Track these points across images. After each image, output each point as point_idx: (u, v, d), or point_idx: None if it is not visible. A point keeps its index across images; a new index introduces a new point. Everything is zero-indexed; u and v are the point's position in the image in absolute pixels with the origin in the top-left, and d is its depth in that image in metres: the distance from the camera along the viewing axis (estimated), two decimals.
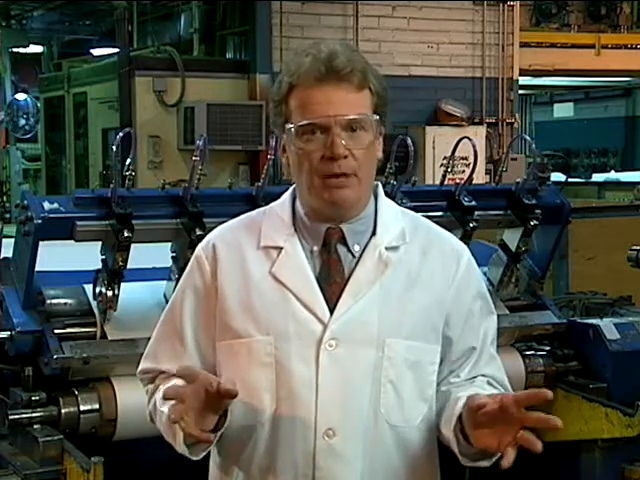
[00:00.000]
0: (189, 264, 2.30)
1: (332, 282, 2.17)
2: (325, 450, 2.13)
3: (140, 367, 2.35)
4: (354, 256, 2.19)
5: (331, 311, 2.15)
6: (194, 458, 2.16)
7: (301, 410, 2.13)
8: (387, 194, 3.68)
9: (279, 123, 2.18)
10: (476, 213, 4.05)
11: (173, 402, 2.06)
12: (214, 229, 2.32)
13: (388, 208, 2.26)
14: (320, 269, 2.18)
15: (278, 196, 2.29)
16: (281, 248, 2.19)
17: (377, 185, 2.26)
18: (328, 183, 2.11)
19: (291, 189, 2.25)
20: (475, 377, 2.27)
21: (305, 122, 2.11)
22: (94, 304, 3.68)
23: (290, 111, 2.15)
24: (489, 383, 2.27)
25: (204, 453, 2.16)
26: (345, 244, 2.19)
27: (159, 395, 2.19)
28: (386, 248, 2.19)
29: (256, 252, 2.21)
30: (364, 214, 2.21)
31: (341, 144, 2.09)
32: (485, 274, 4.26)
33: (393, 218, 2.24)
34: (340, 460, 2.14)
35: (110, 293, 3.61)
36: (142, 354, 2.37)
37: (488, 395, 2.09)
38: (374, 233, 2.21)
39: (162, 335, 2.32)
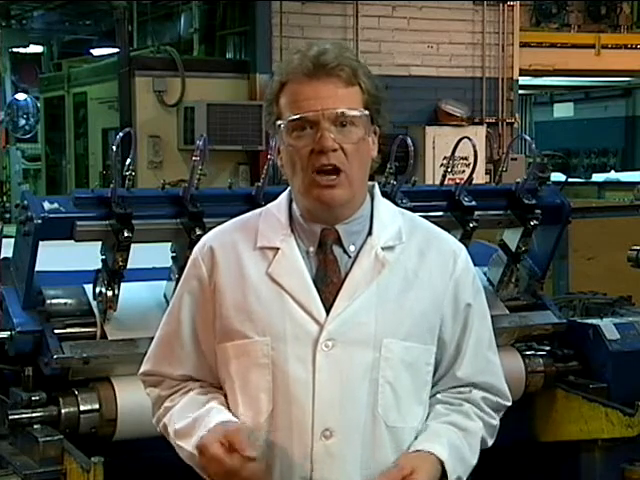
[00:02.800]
0: (186, 267, 2.30)
1: (329, 283, 2.17)
2: (322, 451, 2.13)
3: (141, 369, 2.36)
4: (350, 256, 2.19)
5: (327, 312, 2.15)
6: None
7: (298, 411, 2.13)
8: (387, 194, 3.69)
9: (272, 123, 2.19)
10: (476, 213, 4.05)
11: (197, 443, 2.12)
12: (210, 230, 2.33)
13: (385, 208, 2.26)
14: (317, 270, 2.18)
15: (278, 196, 2.30)
16: (277, 249, 2.19)
17: (374, 185, 2.26)
18: (318, 181, 2.11)
19: (287, 190, 2.26)
20: (471, 385, 2.27)
21: (294, 117, 2.12)
22: (94, 304, 3.68)
23: (281, 109, 2.16)
24: (484, 400, 2.27)
25: None
26: (341, 245, 2.19)
27: (173, 423, 2.23)
28: (382, 248, 2.19)
29: (252, 253, 2.21)
30: (360, 214, 2.21)
31: (329, 137, 2.10)
32: (485, 274, 4.27)
33: (390, 218, 2.24)
34: (337, 461, 2.13)
35: (110, 293, 3.61)
36: (142, 354, 2.38)
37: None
38: (370, 233, 2.21)
39: (162, 338, 2.32)
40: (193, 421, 2.18)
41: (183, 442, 2.19)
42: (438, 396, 2.26)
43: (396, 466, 2.12)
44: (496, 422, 2.31)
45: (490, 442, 2.30)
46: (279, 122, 2.15)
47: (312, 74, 2.12)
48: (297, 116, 2.11)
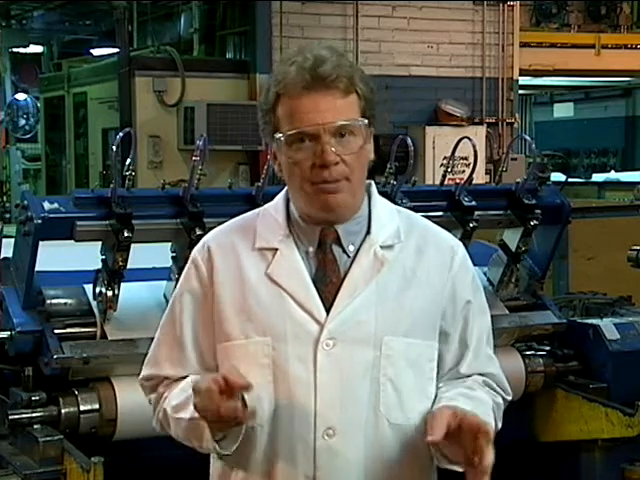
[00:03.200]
0: (185, 268, 2.30)
1: (328, 282, 2.17)
2: (325, 450, 2.13)
3: (142, 374, 2.35)
4: (349, 256, 2.20)
5: (327, 311, 2.15)
6: (225, 452, 2.16)
7: (300, 410, 2.13)
8: (387, 194, 3.69)
9: (268, 131, 2.18)
10: (476, 213, 4.04)
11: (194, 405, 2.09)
12: (210, 231, 2.33)
13: (382, 207, 2.26)
14: (316, 270, 2.19)
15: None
16: (276, 249, 2.20)
17: (370, 184, 2.26)
18: (321, 188, 2.11)
19: (284, 190, 2.26)
20: (473, 374, 2.27)
21: (294, 131, 2.11)
22: (94, 304, 3.68)
23: (278, 120, 2.15)
24: (486, 383, 2.28)
25: (235, 446, 2.14)
26: (340, 244, 2.20)
27: (171, 403, 2.22)
28: (381, 247, 2.20)
29: (251, 254, 2.22)
30: (358, 214, 2.21)
31: (331, 151, 2.10)
32: (485, 274, 4.27)
33: (388, 217, 2.25)
34: (340, 459, 2.14)
35: (110, 293, 3.61)
36: (142, 354, 2.37)
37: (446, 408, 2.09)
38: (369, 232, 2.21)
39: (162, 341, 2.32)
40: (191, 394, 2.17)
41: (181, 413, 2.18)
42: (439, 384, 2.26)
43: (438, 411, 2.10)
44: (500, 401, 2.29)
45: (500, 424, 2.28)
46: (278, 135, 2.14)
47: (310, 87, 2.10)
48: (297, 130, 2.11)
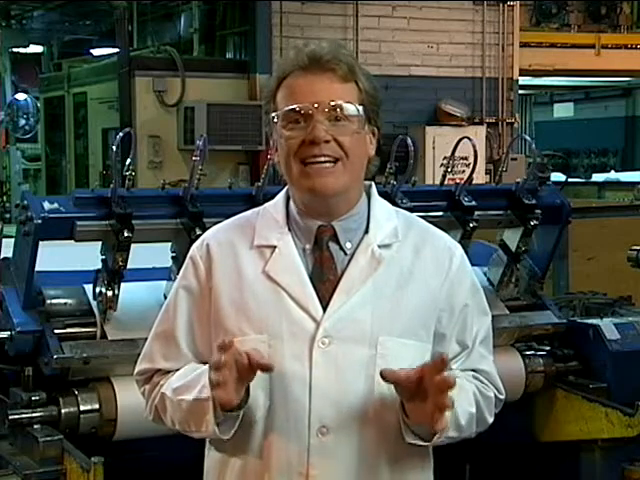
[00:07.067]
0: (184, 264, 2.31)
1: (325, 280, 2.18)
2: (319, 448, 2.14)
3: (137, 369, 2.36)
4: (346, 254, 2.20)
5: (324, 309, 2.16)
6: (224, 437, 2.15)
7: (295, 408, 2.14)
8: (387, 194, 3.69)
9: (269, 120, 2.20)
10: (476, 213, 4.04)
11: (199, 387, 2.11)
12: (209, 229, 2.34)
13: (381, 207, 2.27)
14: (313, 267, 2.19)
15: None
16: (274, 247, 2.20)
17: (370, 185, 2.27)
18: (308, 169, 2.12)
19: (285, 189, 2.26)
20: (464, 370, 2.27)
21: (287, 108, 2.13)
22: (94, 304, 3.68)
23: (277, 104, 2.17)
24: (475, 377, 2.27)
25: (233, 431, 2.14)
26: (337, 242, 2.20)
27: (171, 386, 2.21)
28: (379, 246, 2.20)
29: (249, 251, 2.22)
30: (355, 211, 2.21)
31: (322, 128, 2.10)
32: (485, 274, 4.27)
33: (386, 217, 2.25)
34: (334, 457, 2.14)
35: (110, 293, 3.61)
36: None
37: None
38: (367, 231, 2.21)
39: (158, 336, 2.33)
40: (196, 376, 2.17)
41: (183, 395, 2.17)
42: None
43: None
44: (491, 395, 2.28)
45: (490, 419, 2.28)
46: (273, 114, 2.16)
47: (307, 68, 2.13)
48: (290, 107, 2.12)
